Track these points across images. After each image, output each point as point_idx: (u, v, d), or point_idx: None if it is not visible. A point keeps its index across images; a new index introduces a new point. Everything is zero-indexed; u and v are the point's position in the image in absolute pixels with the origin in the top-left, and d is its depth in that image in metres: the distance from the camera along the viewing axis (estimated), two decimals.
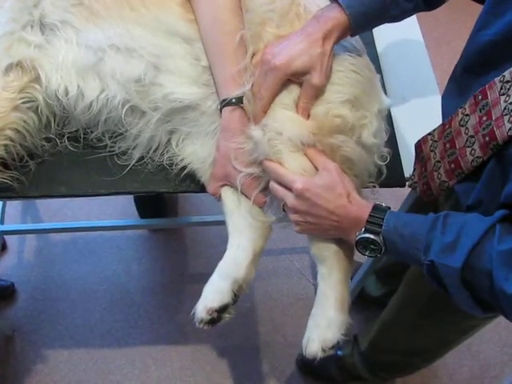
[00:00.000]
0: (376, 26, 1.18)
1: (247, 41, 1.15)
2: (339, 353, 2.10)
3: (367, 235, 1.01)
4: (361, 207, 1.03)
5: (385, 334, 1.72)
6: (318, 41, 1.05)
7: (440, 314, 1.39)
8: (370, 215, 1.02)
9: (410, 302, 1.51)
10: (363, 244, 1.03)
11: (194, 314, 1.13)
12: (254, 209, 1.18)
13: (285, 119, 1.10)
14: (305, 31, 1.07)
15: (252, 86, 1.13)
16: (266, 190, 1.17)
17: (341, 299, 1.13)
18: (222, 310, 1.12)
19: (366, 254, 1.05)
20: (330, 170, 1.06)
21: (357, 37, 1.20)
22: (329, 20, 1.06)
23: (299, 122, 1.10)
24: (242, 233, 1.18)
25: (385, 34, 1.58)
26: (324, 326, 1.12)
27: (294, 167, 1.09)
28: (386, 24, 1.19)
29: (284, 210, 1.13)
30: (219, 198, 1.22)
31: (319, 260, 1.16)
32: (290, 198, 1.07)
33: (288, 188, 1.07)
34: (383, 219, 1.00)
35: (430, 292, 1.35)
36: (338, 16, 1.06)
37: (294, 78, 1.08)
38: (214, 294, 1.13)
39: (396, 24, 1.18)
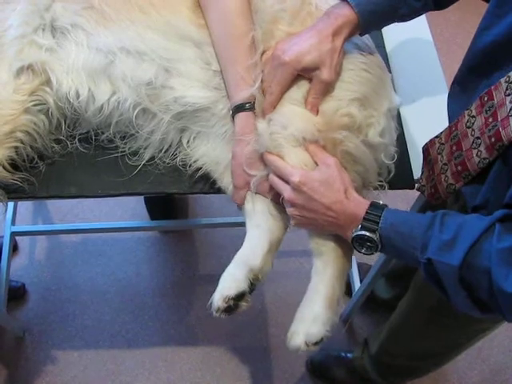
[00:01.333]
0: (385, 25, 1.19)
1: (258, 40, 1.16)
2: (349, 355, 2.10)
3: (363, 232, 1.01)
4: (358, 204, 1.03)
5: (394, 338, 1.71)
6: (328, 37, 1.06)
7: (448, 319, 1.39)
8: (366, 212, 1.01)
9: (417, 307, 1.51)
10: (359, 241, 1.03)
11: (210, 303, 1.12)
12: (271, 205, 1.18)
13: (292, 114, 1.11)
14: (315, 27, 1.08)
15: (262, 82, 1.13)
16: None
17: (331, 296, 1.13)
18: (239, 298, 1.11)
19: (362, 251, 1.05)
20: (330, 164, 1.06)
21: (368, 36, 1.20)
22: (339, 17, 1.07)
23: (307, 118, 1.10)
24: (258, 225, 1.18)
25: (394, 35, 1.57)
26: (310, 320, 1.11)
27: (294, 161, 1.09)
28: (396, 25, 1.19)
29: (282, 204, 1.12)
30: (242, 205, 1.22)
31: (316, 254, 1.16)
32: (287, 191, 1.07)
33: (286, 181, 1.07)
34: (380, 217, 1.00)
35: (437, 296, 1.35)
36: (347, 13, 1.07)
37: (304, 73, 1.09)
38: (230, 282, 1.12)
39: (406, 25, 1.19)
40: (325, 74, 1.07)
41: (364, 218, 1.01)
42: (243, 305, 1.13)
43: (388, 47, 1.56)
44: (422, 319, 1.50)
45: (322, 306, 1.12)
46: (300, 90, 1.11)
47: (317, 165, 1.09)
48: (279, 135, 1.09)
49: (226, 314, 1.12)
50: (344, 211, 1.03)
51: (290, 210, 1.09)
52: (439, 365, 1.73)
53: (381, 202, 1.04)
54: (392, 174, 1.21)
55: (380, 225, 1.00)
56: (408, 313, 1.58)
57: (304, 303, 1.15)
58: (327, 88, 1.10)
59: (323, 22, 1.08)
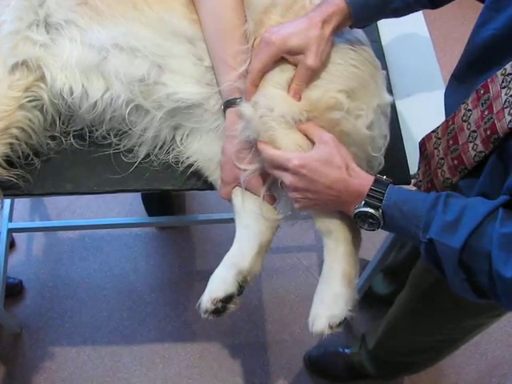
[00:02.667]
0: (378, 18, 1.18)
1: (249, 31, 1.16)
2: (347, 351, 2.10)
3: (366, 209, 0.99)
4: (362, 180, 1.01)
5: (391, 334, 1.71)
6: (318, 23, 1.05)
7: (444, 314, 1.39)
8: (370, 189, 0.99)
9: (414, 302, 1.50)
10: (362, 217, 1.01)
11: (199, 305, 1.12)
12: (263, 205, 1.17)
13: (275, 96, 1.09)
14: (306, 15, 1.08)
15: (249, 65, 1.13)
16: (274, 187, 1.17)
17: (348, 273, 1.11)
18: (227, 300, 1.11)
19: (365, 227, 1.03)
20: (327, 141, 1.03)
21: (361, 31, 1.20)
22: (330, 6, 1.06)
23: (290, 101, 1.09)
24: (248, 226, 1.18)
25: (390, 30, 1.57)
26: (330, 301, 1.09)
27: (288, 144, 1.07)
28: (392, 20, 1.18)
29: (282, 188, 1.11)
30: (231, 200, 1.22)
31: (325, 234, 1.13)
32: (287, 177, 1.04)
33: (285, 168, 1.05)
34: (384, 193, 0.98)
35: (433, 292, 1.35)
36: (338, 3, 1.06)
37: (289, 56, 1.08)
38: (218, 284, 1.12)
39: (402, 19, 1.17)
40: (310, 59, 1.05)
41: (367, 195, 0.99)
42: (231, 307, 1.13)
43: (384, 42, 1.55)
44: (419, 314, 1.51)
45: (341, 284, 1.10)
46: (284, 74, 1.09)
47: (313, 144, 1.06)
48: (269, 117, 1.07)
49: (214, 315, 1.12)
50: (347, 188, 1.01)
51: (292, 195, 1.06)
52: (436, 360, 1.73)
53: (384, 178, 1.01)
54: (381, 167, 1.19)
55: (383, 202, 0.98)
56: (405, 308, 1.58)
57: (321, 285, 1.12)
58: (312, 75, 1.08)
59: (314, 11, 1.07)
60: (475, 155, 0.97)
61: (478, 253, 0.87)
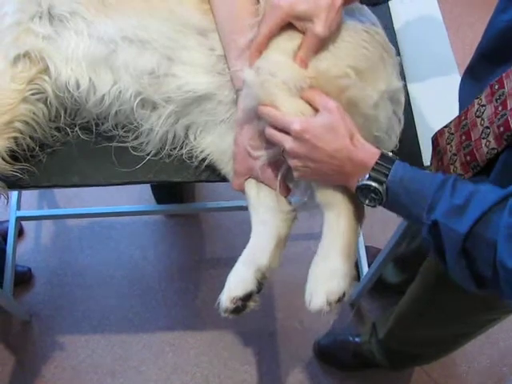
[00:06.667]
0: None
1: (261, 8, 1.11)
2: (357, 340, 2.09)
3: (370, 182, 0.95)
4: (367, 152, 0.97)
5: (401, 324, 1.69)
6: None
7: (456, 308, 1.37)
8: (376, 162, 0.95)
9: (426, 293, 1.48)
10: (364, 191, 0.97)
11: (218, 303, 1.10)
12: (278, 197, 1.15)
13: (279, 61, 1.05)
14: None
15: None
16: (288, 179, 1.14)
17: (348, 248, 1.06)
18: (247, 298, 1.09)
19: (366, 202, 0.99)
20: (332, 109, 0.99)
21: (375, 16, 1.16)
22: None
23: (294, 67, 1.04)
24: (265, 221, 1.15)
25: (403, 15, 1.54)
26: (327, 276, 1.05)
27: (289, 110, 1.03)
28: (404, 5, 1.14)
29: (283, 156, 1.06)
30: (244, 192, 1.19)
31: (325, 206, 1.08)
32: (288, 142, 1.00)
33: (286, 132, 1.01)
34: (390, 169, 0.94)
35: (445, 285, 1.33)
36: None
37: (297, 22, 1.03)
38: (237, 282, 1.10)
39: (414, 3, 1.14)
40: (318, 27, 1.01)
41: (373, 168, 0.95)
42: (251, 304, 1.10)
43: (396, 26, 1.52)
44: (430, 306, 1.49)
45: (339, 259, 1.05)
46: (291, 42, 1.05)
47: (317, 112, 1.02)
48: (271, 83, 1.04)
49: (234, 314, 1.10)
50: (351, 159, 0.96)
51: (292, 162, 1.02)
52: (447, 352, 1.72)
53: (390, 154, 0.97)
54: (390, 150, 1.15)
55: (389, 177, 0.94)
56: (415, 299, 1.56)
57: (317, 260, 1.08)
58: (320, 45, 1.04)
59: None
60: (487, 152, 0.94)
61: (482, 240, 0.83)
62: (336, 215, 1.07)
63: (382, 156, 0.96)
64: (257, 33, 1.07)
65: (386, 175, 0.94)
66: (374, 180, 0.95)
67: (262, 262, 1.11)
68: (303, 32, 1.04)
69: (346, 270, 1.05)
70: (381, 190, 0.95)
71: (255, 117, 1.09)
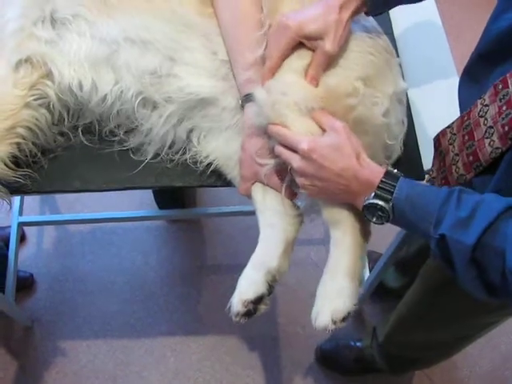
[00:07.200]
0: (394, 5, 1.15)
1: (264, 18, 1.14)
2: (359, 344, 2.09)
3: (376, 201, 0.96)
4: (372, 171, 0.99)
5: (401, 328, 1.70)
6: (335, 8, 1.03)
7: (455, 311, 1.37)
8: (381, 181, 0.96)
9: (424, 297, 1.49)
10: (370, 210, 0.98)
11: (229, 308, 1.10)
12: (284, 201, 1.16)
13: (291, 82, 1.07)
14: (323, 0, 1.05)
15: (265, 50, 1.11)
16: (294, 184, 1.14)
17: (353, 266, 1.08)
18: (258, 301, 1.09)
19: (373, 220, 1.00)
20: (338, 129, 1.01)
21: (375, 21, 1.18)
22: None
23: (307, 87, 1.07)
24: (273, 224, 1.16)
25: (402, 19, 1.54)
26: (334, 295, 1.07)
27: (299, 130, 1.05)
28: (404, 10, 1.16)
29: (291, 174, 1.08)
30: (250, 197, 1.20)
31: (332, 224, 1.10)
32: (295, 160, 1.02)
33: (294, 150, 1.03)
34: (395, 186, 0.96)
35: (444, 288, 1.33)
36: None
37: (307, 41, 1.06)
38: (248, 285, 1.10)
39: (414, 8, 1.15)
40: (328, 44, 1.03)
41: (378, 187, 0.96)
42: (262, 307, 1.10)
43: (396, 32, 1.53)
44: (429, 310, 1.49)
45: (346, 278, 1.07)
46: (301, 60, 1.08)
47: (324, 132, 1.04)
48: (282, 104, 1.06)
49: (245, 318, 1.10)
50: (357, 177, 0.98)
51: (300, 180, 1.04)
52: (447, 356, 1.72)
53: (395, 171, 0.99)
54: (397, 156, 1.18)
55: (394, 195, 0.95)
56: (414, 303, 1.56)
57: (325, 278, 1.09)
58: (329, 61, 1.06)
59: None
60: (491, 151, 0.94)
61: (491, 250, 0.84)
62: (342, 233, 1.09)
63: (387, 174, 0.98)
64: (269, 54, 1.09)
65: (392, 193, 0.96)
66: (380, 198, 0.97)
67: (271, 265, 1.12)
68: (312, 50, 1.06)
69: (352, 289, 1.07)
70: (387, 207, 0.96)
71: (264, 133, 1.11)
